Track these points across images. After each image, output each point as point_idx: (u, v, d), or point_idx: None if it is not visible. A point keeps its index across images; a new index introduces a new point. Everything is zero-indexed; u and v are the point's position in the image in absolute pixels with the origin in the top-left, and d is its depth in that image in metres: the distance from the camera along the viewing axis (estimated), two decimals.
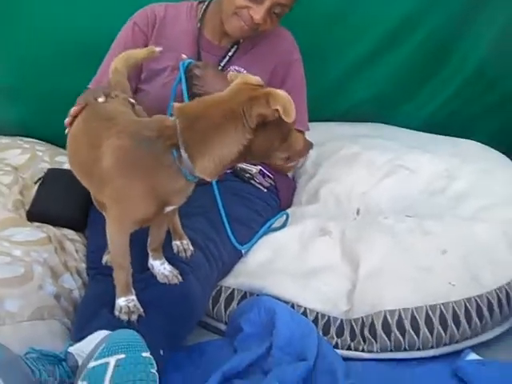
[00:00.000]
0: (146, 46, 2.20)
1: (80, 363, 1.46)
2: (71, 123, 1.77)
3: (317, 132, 2.59)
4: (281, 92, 1.50)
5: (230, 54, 2.24)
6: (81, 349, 1.50)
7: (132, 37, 2.23)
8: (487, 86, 2.93)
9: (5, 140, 2.62)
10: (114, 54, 2.20)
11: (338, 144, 2.64)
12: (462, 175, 2.38)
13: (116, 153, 1.57)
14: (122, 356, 1.38)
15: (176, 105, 1.57)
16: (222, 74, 2.10)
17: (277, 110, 1.46)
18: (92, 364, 1.39)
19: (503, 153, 2.59)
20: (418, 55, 2.83)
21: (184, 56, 2.09)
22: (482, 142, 2.67)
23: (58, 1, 2.56)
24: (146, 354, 1.41)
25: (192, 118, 1.53)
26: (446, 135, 2.79)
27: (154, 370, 1.40)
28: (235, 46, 2.24)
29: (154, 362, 1.42)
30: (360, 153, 2.55)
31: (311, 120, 2.52)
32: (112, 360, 1.38)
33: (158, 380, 1.41)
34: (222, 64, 2.23)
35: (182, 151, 1.51)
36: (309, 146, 1.68)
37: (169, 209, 1.65)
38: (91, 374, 1.38)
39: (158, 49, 1.95)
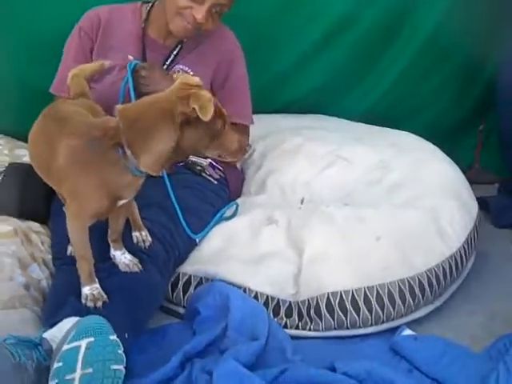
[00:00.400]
0: (92, 48, 2.33)
1: (54, 347, 1.58)
2: None
3: (262, 124, 2.74)
4: (203, 92, 1.64)
5: (174, 52, 2.34)
6: (54, 334, 1.62)
7: (79, 41, 2.34)
8: (422, 78, 3.07)
9: None
10: (66, 58, 2.35)
11: (282, 136, 2.75)
12: (397, 166, 2.50)
13: (67, 152, 1.69)
14: (92, 339, 1.52)
15: (118, 107, 1.69)
16: (168, 75, 2.21)
17: (194, 108, 1.59)
18: (65, 347, 1.52)
19: (436, 144, 2.72)
20: (357, 48, 2.95)
21: (130, 57, 2.20)
22: (417, 134, 2.79)
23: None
24: (113, 337, 1.55)
25: (132, 118, 1.66)
26: (383, 126, 2.92)
27: (121, 351, 1.55)
28: (179, 45, 2.35)
29: (120, 344, 1.56)
30: (302, 144, 2.66)
31: (257, 112, 2.64)
32: (83, 343, 1.51)
33: (125, 360, 1.55)
34: (167, 63, 2.34)
35: (126, 149, 1.64)
36: (243, 148, 1.79)
37: (121, 202, 1.76)
38: (65, 355, 1.51)
39: (107, 62, 2.08)
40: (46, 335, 1.62)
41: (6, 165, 2.39)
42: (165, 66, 2.33)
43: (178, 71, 2.31)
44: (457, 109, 3.18)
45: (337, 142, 2.69)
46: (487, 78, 3.11)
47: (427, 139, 2.76)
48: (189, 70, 2.31)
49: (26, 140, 2.53)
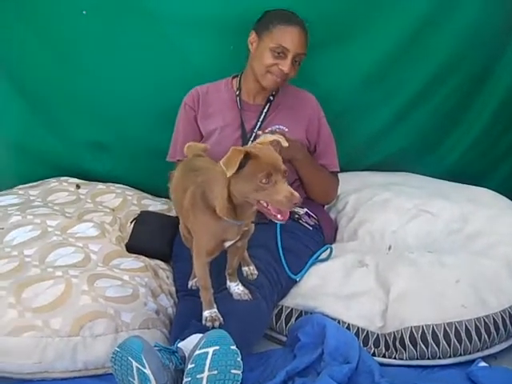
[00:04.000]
0: (196, 117, 2.75)
1: (186, 355, 1.92)
2: None
3: (354, 181, 3.08)
4: (241, 149, 1.84)
5: (265, 110, 2.71)
6: (185, 346, 1.97)
7: (185, 114, 2.76)
8: (497, 138, 3.32)
9: (100, 186, 3.11)
10: (177, 130, 2.78)
11: (372, 191, 3.02)
12: (475, 219, 2.73)
13: (189, 197, 2.04)
14: (217, 347, 1.82)
15: None
16: (295, 141, 2.55)
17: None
18: (197, 352, 1.83)
19: None
20: (439, 113, 3.23)
21: (259, 132, 2.55)
22: (494, 189, 3.00)
23: (150, 68, 3.02)
24: (234, 347, 1.84)
25: (210, 172, 2.00)
26: (464, 182, 3.12)
27: (239, 359, 1.83)
28: (268, 104, 2.72)
29: (239, 353, 1.84)
30: (390, 199, 2.94)
31: (350, 170, 2.98)
32: (210, 350, 1.81)
33: (242, 366, 1.84)
34: (260, 119, 2.69)
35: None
36: (290, 202, 1.83)
37: (228, 244, 2.06)
38: (197, 359, 1.82)
39: (209, 146, 2.41)
40: (180, 345, 1.98)
41: (137, 213, 2.80)
42: (258, 123, 2.69)
43: (277, 130, 2.61)
44: None
45: (421, 196, 2.94)
46: None
47: (504, 194, 2.96)
48: (285, 129, 2.66)
49: (150, 192, 3.02)
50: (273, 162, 1.85)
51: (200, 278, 2.13)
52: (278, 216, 1.89)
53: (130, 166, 3.22)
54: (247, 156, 1.84)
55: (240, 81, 2.76)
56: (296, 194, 1.83)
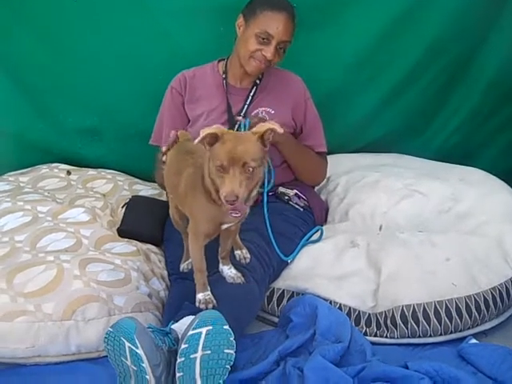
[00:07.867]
0: (183, 101, 2.74)
1: (180, 336, 1.92)
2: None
3: (344, 163, 3.09)
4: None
5: (251, 94, 2.71)
6: (178, 327, 1.98)
7: (172, 98, 2.76)
8: (486, 118, 3.33)
9: (91, 172, 3.13)
10: (162, 113, 2.77)
11: (362, 172, 3.04)
12: (465, 198, 2.76)
13: (186, 179, 2.03)
14: (210, 327, 1.82)
15: None
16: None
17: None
18: (190, 332, 1.83)
19: (504, 177, 2.93)
20: (426, 95, 3.24)
21: (239, 118, 2.55)
22: (485, 169, 3.02)
23: (139, 53, 3.03)
24: (227, 327, 1.85)
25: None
26: (453, 162, 3.14)
27: (232, 338, 1.84)
28: (254, 87, 2.72)
29: (232, 333, 1.84)
30: (381, 179, 2.95)
31: (339, 152, 2.98)
32: (203, 330, 1.82)
33: (235, 345, 1.85)
34: (247, 103, 2.69)
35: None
36: (226, 196, 1.80)
37: (225, 226, 2.05)
38: (190, 339, 1.82)
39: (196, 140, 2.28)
40: (173, 326, 1.99)
41: (129, 197, 2.81)
42: (245, 107, 2.68)
43: (262, 112, 2.66)
44: None
45: (411, 177, 2.96)
46: None
47: (495, 173, 2.97)
48: (272, 111, 2.66)
49: (141, 177, 3.02)
50: (231, 155, 1.81)
51: (195, 260, 2.12)
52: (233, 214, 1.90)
53: (120, 151, 3.23)
54: (217, 138, 1.85)
55: (226, 64, 2.75)
56: (237, 193, 1.79)
